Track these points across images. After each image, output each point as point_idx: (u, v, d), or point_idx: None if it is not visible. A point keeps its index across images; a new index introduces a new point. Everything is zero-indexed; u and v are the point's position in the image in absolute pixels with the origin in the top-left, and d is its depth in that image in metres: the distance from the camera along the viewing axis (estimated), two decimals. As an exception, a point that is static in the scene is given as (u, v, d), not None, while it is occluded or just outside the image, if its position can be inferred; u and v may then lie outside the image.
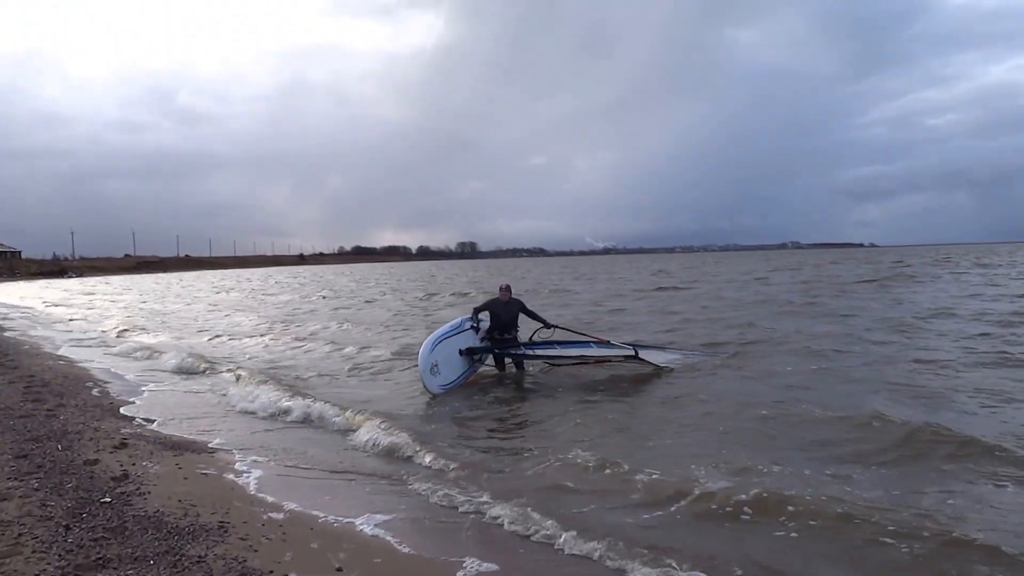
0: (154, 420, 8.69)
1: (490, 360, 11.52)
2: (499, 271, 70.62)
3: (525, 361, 11.43)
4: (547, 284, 40.61)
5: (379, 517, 5.33)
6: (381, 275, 72.78)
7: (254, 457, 7.09)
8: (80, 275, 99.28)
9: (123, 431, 7.87)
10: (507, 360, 11.39)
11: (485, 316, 11.47)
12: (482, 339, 11.36)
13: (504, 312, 11.31)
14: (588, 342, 11.30)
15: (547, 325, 11.24)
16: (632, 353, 10.56)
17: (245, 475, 6.43)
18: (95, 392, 10.43)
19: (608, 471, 6.09)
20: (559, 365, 11.27)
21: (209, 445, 7.56)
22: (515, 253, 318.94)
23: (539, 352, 11.24)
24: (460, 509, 5.58)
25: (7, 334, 19.56)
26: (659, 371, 10.59)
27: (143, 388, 11.04)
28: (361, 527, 5.18)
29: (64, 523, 4.95)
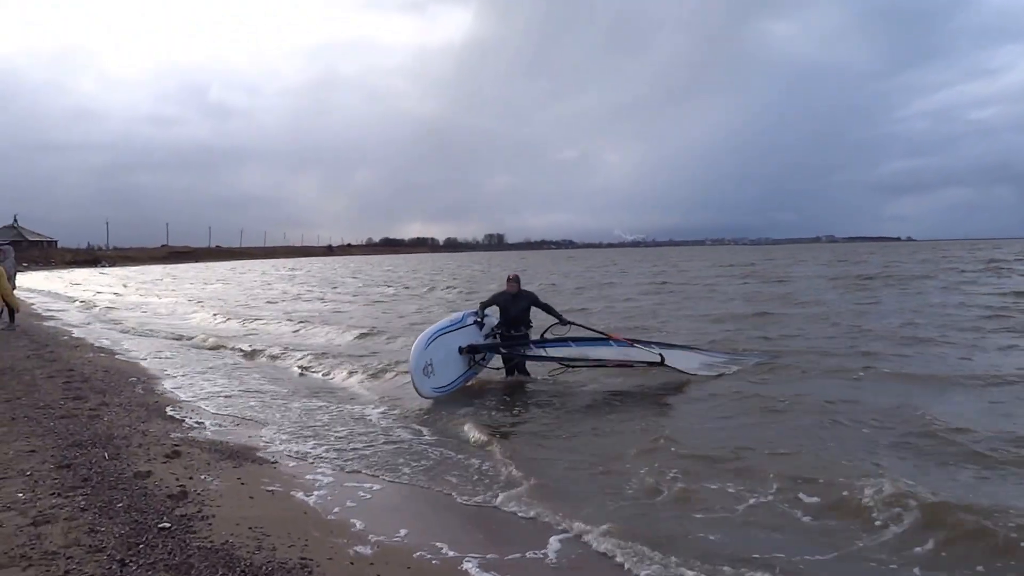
0: (204, 422, 7.85)
1: (497, 363, 10.00)
2: (524, 263, 69.38)
3: (529, 365, 9.92)
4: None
5: (488, 556, 4.41)
6: (404, 267, 72.02)
7: (322, 469, 6.23)
8: (112, 264, 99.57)
9: (173, 435, 7.04)
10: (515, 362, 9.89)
11: (493, 311, 10.04)
12: (487, 336, 9.94)
13: (512, 306, 9.75)
14: (608, 340, 9.81)
15: (563, 321, 9.67)
16: (658, 360, 8.96)
17: (317, 492, 5.56)
18: (139, 389, 9.63)
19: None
20: (572, 367, 9.58)
21: (270, 453, 6.71)
22: (543, 245, 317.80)
23: (551, 352, 9.68)
24: (559, 535, 4.67)
25: (46, 324, 18.94)
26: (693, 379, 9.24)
27: (191, 384, 10.22)
28: (468, 568, 4.28)
29: (118, 557, 4.09)
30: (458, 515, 5.23)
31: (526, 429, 7.52)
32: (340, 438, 7.29)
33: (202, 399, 9.18)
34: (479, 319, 9.86)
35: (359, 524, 4.90)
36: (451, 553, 4.46)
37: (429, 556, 4.42)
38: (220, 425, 7.80)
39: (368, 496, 5.56)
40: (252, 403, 8.97)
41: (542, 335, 9.84)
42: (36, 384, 9.42)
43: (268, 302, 27.90)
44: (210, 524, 4.65)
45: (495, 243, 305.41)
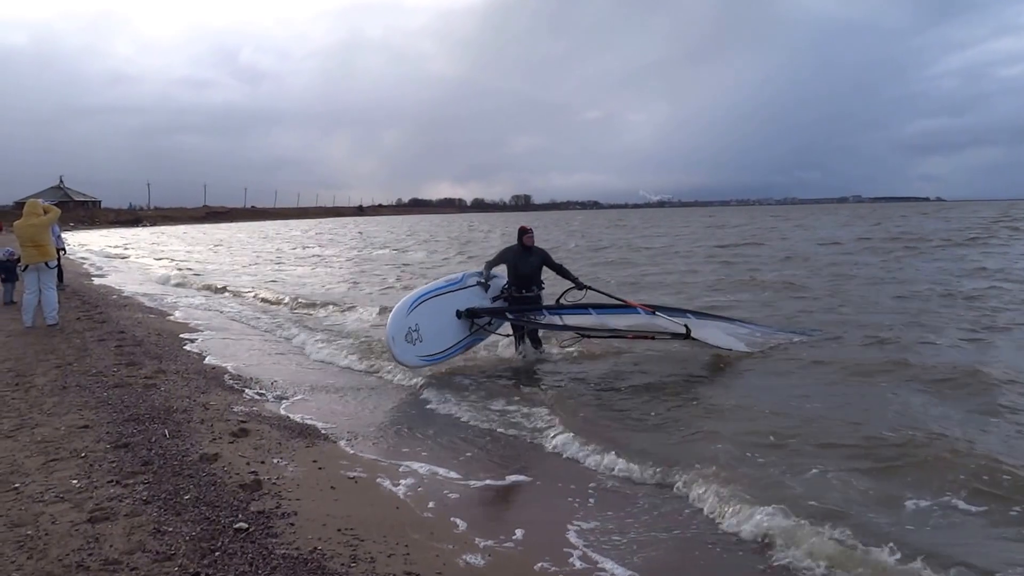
0: (266, 393, 7.14)
1: (506, 328, 8.68)
2: (554, 223, 67.90)
3: (543, 335, 8.64)
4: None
5: (629, 567, 3.61)
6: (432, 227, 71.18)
7: (405, 448, 5.48)
8: (153, 224, 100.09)
9: (236, 409, 6.32)
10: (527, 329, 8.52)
11: (501, 271, 8.72)
12: (494, 299, 8.66)
13: (523, 263, 8.40)
14: (631, 308, 8.46)
15: (579, 285, 8.30)
16: (683, 332, 7.60)
17: (404, 482, 4.78)
18: (194, 352, 8.97)
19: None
20: (589, 337, 8.31)
21: (341, 430, 5.97)
22: (569, 206, 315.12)
23: (568, 320, 8.27)
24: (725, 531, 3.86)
25: (96, 282, 18.45)
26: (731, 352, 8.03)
27: (250, 350, 9.53)
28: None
29: (191, 569, 3.36)
30: (577, 508, 4.43)
31: (601, 404, 6.66)
32: (414, 416, 6.54)
33: (255, 365, 8.49)
34: (483, 280, 8.61)
35: (462, 524, 4.12)
36: (580, 565, 3.67)
37: (555, 569, 3.62)
38: (283, 396, 7.08)
39: (463, 486, 4.77)
40: (312, 374, 8.24)
41: (557, 300, 8.49)
42: (87, 348, 8.79)
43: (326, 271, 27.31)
44: (292, 524, 3.90)
45: (522, 204, 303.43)
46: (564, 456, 5.35)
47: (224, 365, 8.30)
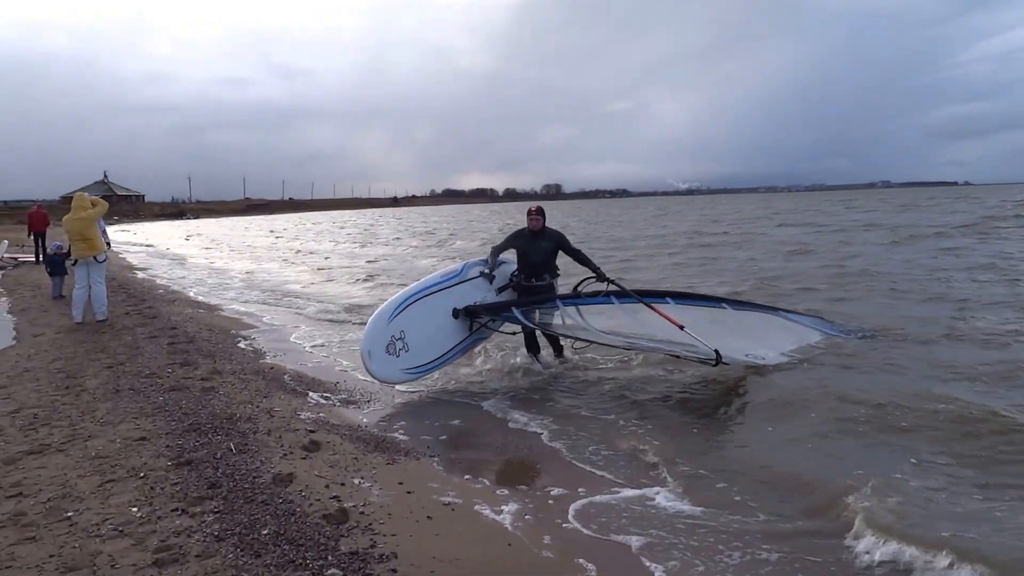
0: (331, 396, 6.50)
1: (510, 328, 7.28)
2: (585, 211, 66.53)
3: (564, 340, 7.32)
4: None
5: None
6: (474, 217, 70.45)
7: (493, 465, 4.78)
8: (196, 217, 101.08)
9: (303, 415, 5.68)
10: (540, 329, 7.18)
11: (510, 257, 7.49)
12: (501, 290, 7.43)
13: (533, 249, 7.18)
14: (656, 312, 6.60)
15: (600, 276, 6.97)
16: (712, 357, 5.90)
17: (507, 508, 4.08)
18: (249, 351, 8.38)
19: None
20: (606, 345, 6.88)
21: (418, 441, 5.31)
22: (598, 195, 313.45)
23: (588, 313, 6.93)
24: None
25: (139, 275, 18.10)
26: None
27: (305, 346, 8.92)
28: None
29: (282, 635, 2.68)
30: (709, 544, 3.68)
31: (696, 420, 5.91)
32: (491, 427, 5.84)
33: (318, 363, 7.87)
34: (488, 270, 7.35)
35: (590, 567, 3.39)
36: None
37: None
38: (350, 400, 6.44)
39: (575, 514, 4.05)
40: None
41: (576, 288, 7.16)
42: (139, 346, 8.26)
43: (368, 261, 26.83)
44: (395, 571, 3.20)
45: (553, 193, 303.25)
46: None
47: (283, 365, 7.69)
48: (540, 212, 7.34)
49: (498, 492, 4.34)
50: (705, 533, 3.78)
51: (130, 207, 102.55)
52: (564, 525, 3.90)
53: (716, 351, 5.89)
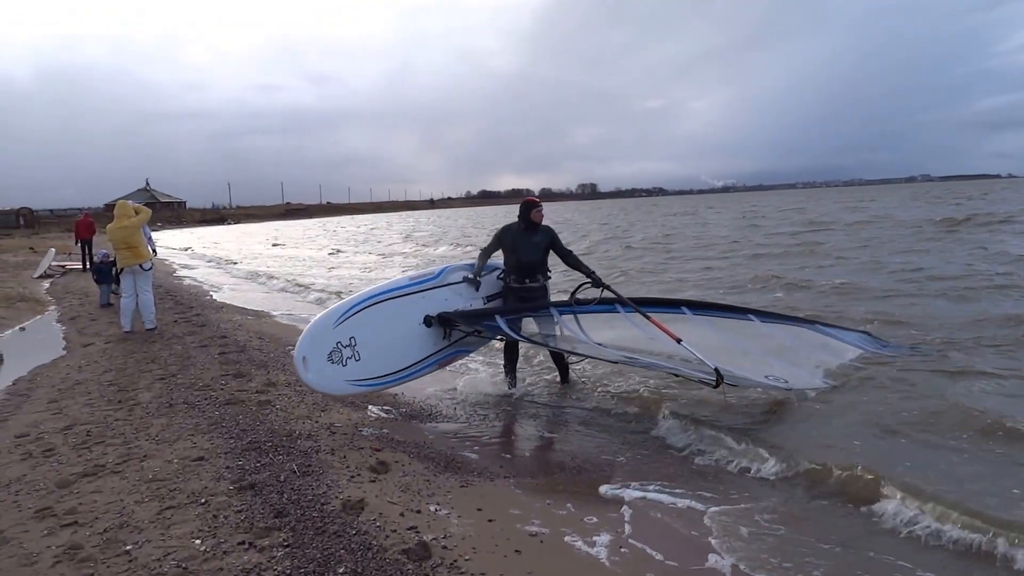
0: (392, 409, 6.22)
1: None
2: (623, 210, 65.42)
3: (567, 355, 6.64)
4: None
5: None
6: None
7: (574, 487, 4.41)
8: (237, 222, 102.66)
9: (365, 432, 5.38)
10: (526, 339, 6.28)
11: (499, 261, 6.75)
12: (488, 298, 6.76)
13: (524, 245, 6.43)
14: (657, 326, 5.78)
15: (596, 281, 6.26)
16: (712, 379, 5.08)
17: (599, 538, 3.72)
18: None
19: None
20: (601, 360, 6.15)
21: (487, 457, 4.99)
22: (634, 193, 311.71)
23: (584, 324, 6.29)
24: None
25: (186, 282, 18.14)
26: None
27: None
28: None
29: None
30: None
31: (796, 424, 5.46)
32: (563, 440, 5.48)
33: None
34: (473, 275, 6.59)
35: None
36: None
37: None
38: (412, 414, 6.15)
39: (677, 543, 3.67)
40: (432, 384, 7.27)
41: (572, 295, 6.43)
42: (190, 356, 8.07)
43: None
44: (490, 619, 2.86)
45: (588, 192, 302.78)
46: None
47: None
48: (537, 207, 6.53)
49: (586, 520, 3.98)
50: (803, 552, 3.36)
51: (172, 213, 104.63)
52: (668, 563, 3.52)
53: (716, 369, 5.06)
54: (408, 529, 3.63)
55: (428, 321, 6.07)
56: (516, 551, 3.50)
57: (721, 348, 5.76)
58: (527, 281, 6.47)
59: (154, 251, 10.84)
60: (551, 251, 6.54)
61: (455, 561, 3.33)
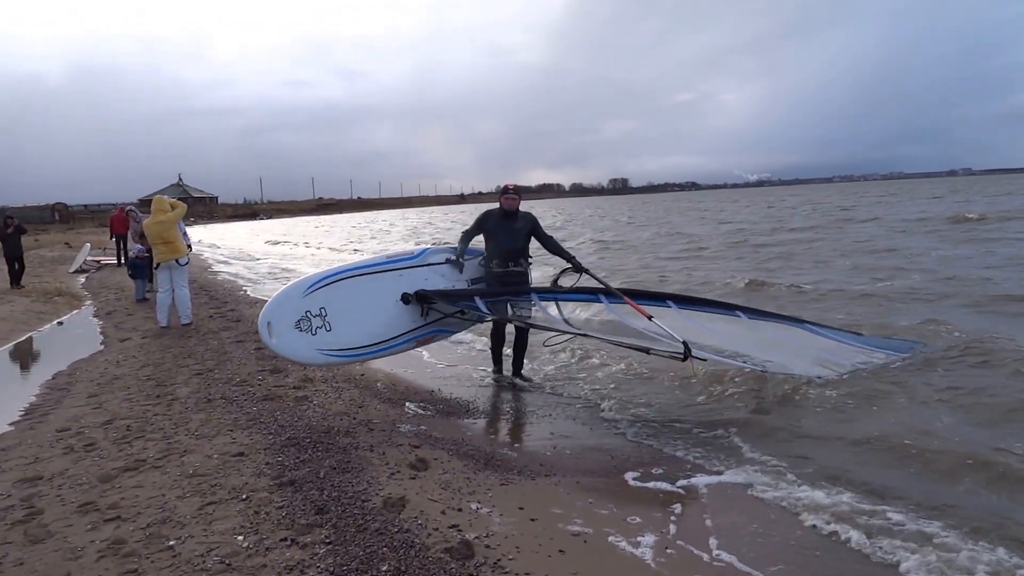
0: (428, 406, 6.22)
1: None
2: (653, 204, 64.86)
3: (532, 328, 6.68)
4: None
5: None
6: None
7: (615, 483, 4.37)
8: (269, 217, 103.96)
9: (403, 428, 5.40)
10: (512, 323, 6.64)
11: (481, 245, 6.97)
12: (472, 281, 6.94)
13: (505, 231, 6.67)
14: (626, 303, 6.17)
15: (577, 266, 6.57)
16: (680, 352, 5.15)
17: (643, 539, 3.68)
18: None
19: None
20: (582, 336, 6.20)
21: (526, 454, 4.98)
22: (666, 188, 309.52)
23: (568, 310, 6.47)
24: None
25: (220, 277, 18.39)
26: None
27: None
28: None
29: None
30: None
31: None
32: (599, 434, 5.43)
33: (408, 367, 7.63)
34: (456, 256, 6.78)
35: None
36: None
37: None
38: (449, 410, 6.15)
39: (729, 539, 3.61)
40: (452, 378, 7.28)
41: (555, 280, 6.71)
42: (226, 351, 8.17)
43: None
44: (537, 620, 2.84)
45: (619, 187, 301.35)
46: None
47: (374, 370, 7.47)
48: (517, 191, 6.78)
49: (629, 520, 3.93)
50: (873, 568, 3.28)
51: (204, 209, 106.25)
52: (714, 562, 3.46)
53: (684, 343, 5.16)
54: (450, 527, 3.62)
55: (406, 298, 6.11)
56: (560, 551, 3.47)
57: (701, 336, 5.89)
58: (510, 266, 6.67)
59: (189, 246, 10.98)
60: (533, 237, 6.76)
61: (499, 560, 3.31)
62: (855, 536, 3.65)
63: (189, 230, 11.89)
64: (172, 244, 10.19)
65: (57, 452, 4.96)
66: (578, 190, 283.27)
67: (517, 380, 7.00)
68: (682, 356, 5.14)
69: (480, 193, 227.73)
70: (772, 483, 4.39)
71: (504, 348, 7.17)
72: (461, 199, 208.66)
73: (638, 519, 3.94)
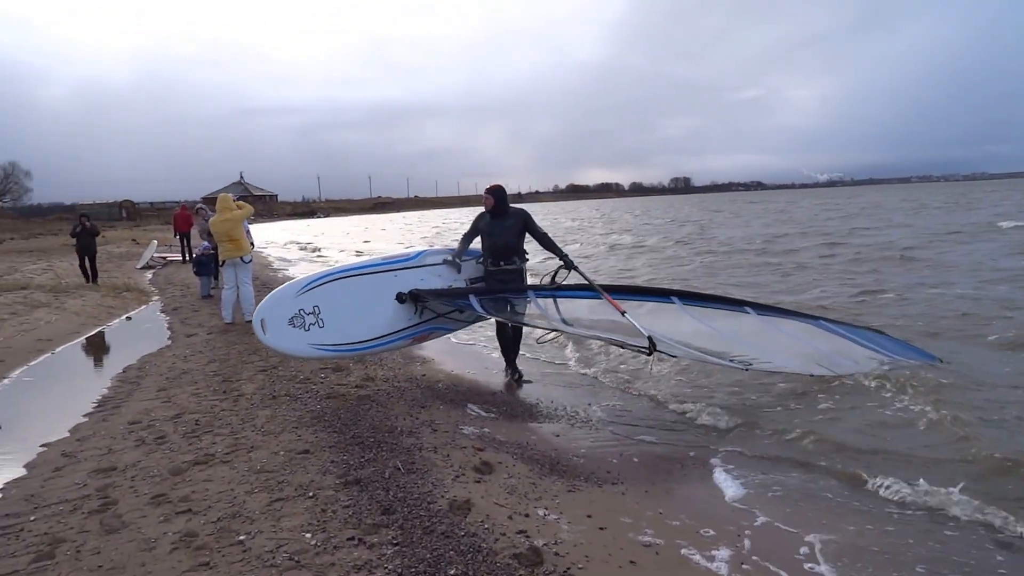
0: (492, 408, 6.24)
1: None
2: (717, 205, 63.50)
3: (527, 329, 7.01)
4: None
5: None
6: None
7: (687, 493, 4.30)
8: (326, 215, 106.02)
9: (466, 430, 5.42)
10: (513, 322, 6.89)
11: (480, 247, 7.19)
12: (471, 280, 7.14)
13: (495, 230, 6.89)
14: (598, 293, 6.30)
15: (567, 263, 6.76)
16: (645, 346, 5.29)
17: (718, 552, 3.61)
18: (397, 355, 8.29)
19: None
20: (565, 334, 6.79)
21: (590, 458, 4.94)
22: (731, 187, 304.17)
23: (566, 307, 6.51)
24: None
25: (281, 275, 18.81)
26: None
27: (455, 351, 8.76)
28: None
29: None
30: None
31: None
32: (676, 443, 5.36)
33: (469, 368, 7.67)
34: (454, 258, 7.07)
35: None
36: None
37: None
38: (511, 412, 6.17)
39: (806, 556, 3.52)
40: (534, 384, 7.27)
41: (553, 277, 6.88)
42: (289, 349, 8.33)
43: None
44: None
45: (681, 186, 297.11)
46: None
47: (434, 370, 7.54)
48: (492, 191, 6.96)
49: (702, 532, 3.86)
50: None
51: (264, 207, 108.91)
52: (793, 579, 3.37)
53: (650, 337, 5.27)
54: (517, 533, 3.62)
55: (401, 297, 6.38)
56: (631, 562, 3.43)
57: (696, 333, 6.04)
58: (502, 264, 6.87)
59: (253, 244, 11.28)
60: (527, 234, 6.92)
61: (568, 569, 3.29)
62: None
63: (252, 227, 12.19)
64: (238, 242, 10.47)
65: (129, 444, 5.14)
66: (638, 189, 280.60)
67: (514, 374, 7.30)
68: (647, 350, 5.30)
69: (537, 192, 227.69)
70: (855, 492, 4.26)
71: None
72: (519, 198, 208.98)
73: (711, 531, 3.87)
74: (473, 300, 6.40)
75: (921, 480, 4.38)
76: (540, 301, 6.55)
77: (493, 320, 6.97)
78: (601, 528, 3.80)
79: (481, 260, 7.12)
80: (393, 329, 6.34)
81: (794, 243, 22.81)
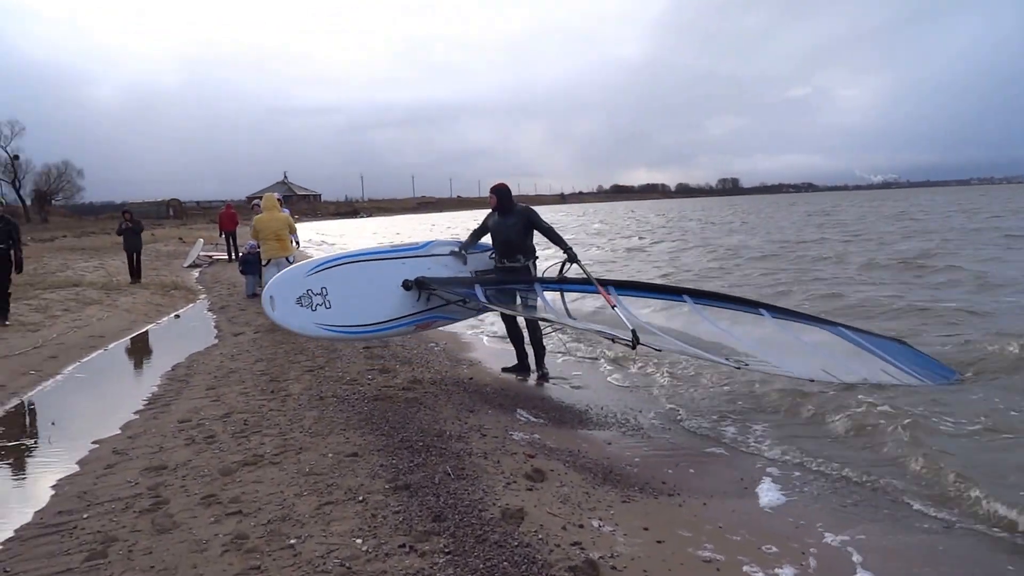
0: (541, 414, 6.18)
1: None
2: (766, 206, 62.20)
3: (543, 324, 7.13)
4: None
5: None
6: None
7: (743, 506, 4.18)
8: (369, 215, 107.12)
9: (516, 436, 5.37)
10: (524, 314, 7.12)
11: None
12: (476, 273, 7.24)
13: (501, 228, 7.09)
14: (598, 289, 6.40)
15: (571, 256, 6.78)
16: (630, 339, 5.48)
17: (782, 570, 3.48)
18: (443, 357, 8.29)
19: None
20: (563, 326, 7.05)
21: (659, 480, 4.82)
22: (781, 189, 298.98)
23: (569, 297, 6.82)
24: None
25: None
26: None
27: (501, 354, 8.72)
28: None
29: None
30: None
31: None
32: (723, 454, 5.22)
33: (515, 373, 7.61)
34: (460, 250, 7.28)
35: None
36: None
37: None
38: (561, 418, 6.10)
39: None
40: (572, 388, 7.19)
41: (561, 271, 6.93)
42: (335, 349, 8.40)
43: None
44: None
45: (729, 187, 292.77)
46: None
47: (482, 373, 7.51)
48: (495, 190, 7.15)
49: (764, 549, 3.74)
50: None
51: (308, 206, 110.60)
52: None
53: (633, 331, 5.49)
54: (572, 544, 3.54)
55: (407, 284, 6.56)
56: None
57: (705, 333, 6.21)
58: (506, 261, 7.08)
59: (297, 244, 11.40)
60: (534, 230, 7.07)
61: (627, 585, 3.20)
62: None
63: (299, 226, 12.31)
64: (283, 241, 10.59)
65: (180, 443, 5.20)
66: (684, 190, 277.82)
67: (541, 371, 7.43)
68: (631, 344, 5.46)
69: (581, 193, 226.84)
70: (926, 511, 4.10)
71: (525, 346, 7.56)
72: (561, 199, 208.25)
73: (774, 548, 3.75)
74: (478, 290, 6.63)
75: None
76: (544, 294, 6.74)
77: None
78: (659, 541, 3.71)
79: (492, 255, 7.31)
80: (398, 315, 6.53)
81: (799, 251, 22.26)
